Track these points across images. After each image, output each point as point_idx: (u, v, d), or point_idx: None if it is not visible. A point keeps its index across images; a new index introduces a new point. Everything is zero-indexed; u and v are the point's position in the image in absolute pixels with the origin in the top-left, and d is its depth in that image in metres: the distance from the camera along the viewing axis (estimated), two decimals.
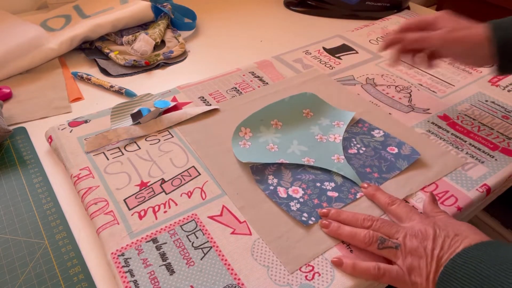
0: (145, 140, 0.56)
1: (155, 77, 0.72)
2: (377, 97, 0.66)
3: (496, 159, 0.54)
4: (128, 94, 0.66)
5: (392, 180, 0.50)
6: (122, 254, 0.41)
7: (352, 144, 0.56)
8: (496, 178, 0.51)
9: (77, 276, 0.40)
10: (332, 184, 0.50)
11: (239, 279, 0.40)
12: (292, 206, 0.47)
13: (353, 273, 0.40)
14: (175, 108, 0.62)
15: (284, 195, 0.48)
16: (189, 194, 0.48)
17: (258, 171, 0.51)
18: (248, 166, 0.51)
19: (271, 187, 0.49)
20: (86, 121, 0.58)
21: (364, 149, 0.55)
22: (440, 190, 0.49)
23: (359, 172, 0.51)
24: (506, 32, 0.48)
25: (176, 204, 0.47)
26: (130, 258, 0.41)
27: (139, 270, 0.40)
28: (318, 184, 0.49)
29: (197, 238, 0.43)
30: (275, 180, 0.50)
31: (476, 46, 0.50)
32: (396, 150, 0.54)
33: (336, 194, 0.48)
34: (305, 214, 0.46)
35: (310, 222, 0.45)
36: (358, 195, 0.48)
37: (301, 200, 0.47)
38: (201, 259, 0.41)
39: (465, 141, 0.57)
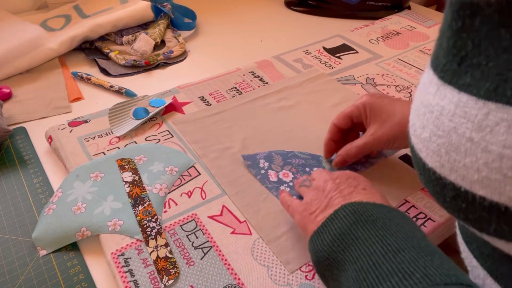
0: (145, 140, 0.56)
1: (155, 77, 0.72)
2: None
3: None
4: (128, 94, 0.66)
5: (392, 180, 0.50)
6: (122, 254, 0.41)
7: None
8: None
9: (77, 276, 0.40)
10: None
11: (239, 279, 0.40)
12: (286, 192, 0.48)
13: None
14: (171, 106, 0.62)
15: (275, 179, 0.50)
16: (189, 194, 0.48)
17: (250, 157, 0.52)
18: (246, 164, 0.51)
19: (262, 171, 0.50)
20: (86, 121, 0.58)
21: None
22: None
23: None
24: None
25: (176, 204, 0.47)
26: (130, 258, 0.41)
27: (139, 270, 0.40)
28: (308, 169, 0.51)
29: (197, 238, 0.43)
30: (266, 164, 0.51)
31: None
32: None
33: None
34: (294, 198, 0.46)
35: None
36: None
37: (291, 184, 0.49)
38: (201, 259, 0.41)
39: None
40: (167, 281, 0.39)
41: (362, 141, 0.48)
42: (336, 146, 0.51)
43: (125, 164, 0.51)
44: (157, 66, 0.74)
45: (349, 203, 0.35)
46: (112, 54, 0.74)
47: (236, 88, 0.67)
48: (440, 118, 0.22)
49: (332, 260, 0.33)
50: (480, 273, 0.28)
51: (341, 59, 0.76)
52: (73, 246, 0.43)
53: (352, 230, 0.33)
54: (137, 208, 0.45)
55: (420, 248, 0.30)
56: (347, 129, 0.51)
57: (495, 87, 0.19)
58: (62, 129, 0.56)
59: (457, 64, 0.21)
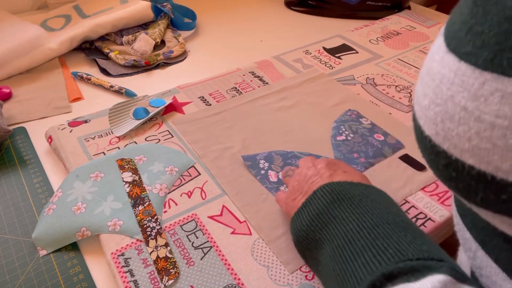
0: (145, 140, 0.56)
1: (155, 77, 0.72)
2: (377, 97, 0.66)
3: None
4: (128, 94, 0.66)
5: (392, 180, 0.50)
6: (122, 254, 0.41)
7: (340, 131, 0.58)
8: None
9: (77, 276, 0.40)
10: None
11: (239, 279, 0.40)
12: (282, 190, 0.48)
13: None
14: (171, 106, 0.62)
15: (275, 179, 0.50)
16: (189, 194, 0.48)
17: (250, 157, 0.53)
18: (246, 164, 0.51)
19: (262, 171, 0.51)
20: (86, 121, 0.58)
21: (352, 135, 0.57)
22: (441, 190, 0.49)
23: (347, 157, 0.53)
24: None
25: (176, 204, 0.47)
26: (130, 258, 0.41)
27: (139, 270, 0.40)
28: None
29: (197, 238, 0.43)
30: (266, 164, 0.52)
31: None
32: (382, 138, 0.57)
33: None
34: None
35: None
36: None
37: None
38: (201, 259, 0.41)
39: None
40: (167, 281, 0.39)
41: None
42: None
43: (125, 164, 0.51)
44: (157, 66, 0.74)
45: (327, 183, 0.36)
46: (112, 54, 0.74)
47: (236, 88, 0.67)
48: (440, 86, 0.22)
49: (310, 239, 0.34)
50: (472, 246, 0.29)
51: (341, 59, 0.76)
52: (73, 246, 0.43)
53: (330, 209, 0.34)
54: (137, 208, 0.45)
55: (395, 224, 0.31)
56: None
57: (493, 56, 0.19)
58: (62, 129, 0.56)
59: (465, 32, 0.21)
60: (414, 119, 0.26)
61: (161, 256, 0.41)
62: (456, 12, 0.24)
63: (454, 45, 0.22)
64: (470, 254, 0.29)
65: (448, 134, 0.22)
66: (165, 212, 0.46)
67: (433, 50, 0.25)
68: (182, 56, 0.78)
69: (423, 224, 0.45)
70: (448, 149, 0.22)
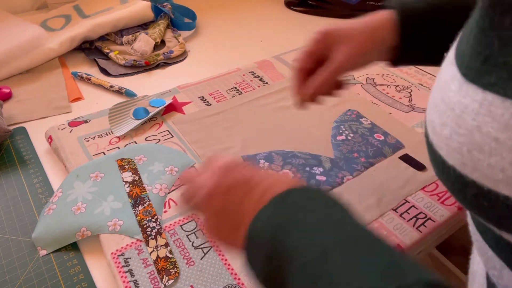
0: (145, 140, 0.56)
1: (155, 77, 0.72)
2: (377, 96, 0.66)
3: None
4: (128, 94, 0.66)
5: (392, 180, 0.50)
6: (122, 254, 0.41)
7: (340, 131, 0.58)
8: None
9: (77, 276, 0.40)
10: (321, 169, 0.51)
11: (239, 279, 0.39)
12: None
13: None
14: (171, 106, 0.62)
15: None
16: None
17: (250, 157, 0.53)
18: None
19: None
20: (86, 121, 0.58)
21: (352, 135, 0.57)
22: (440, 190, 0.49)
23: (347, 157, 0.53)
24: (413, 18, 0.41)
25: (176, 204, 0.47)
26: (130, 258, 0.41)
27: (139, 270, 0.40)
28: (308, 169, 0.51)
29: (197, 238, 0.43)
30: (266, 164, 0.52)
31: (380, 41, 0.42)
32: (382, 138, 0.57)
33: (324, 178, 0.50)
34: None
35: None
36: (345, 180, 0.50)
37: None
38: (201, 259, 0.41)
39: None
40: (167, 281, 0.39)
41: (335, 63, 0.42)
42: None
43: (125, 164, 0.51)
44: (157, 66, 0.74)
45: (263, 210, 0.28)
46: (112, 54, 0.74)
47: (236, 88, 0.67)
48: (462, 116, 0.22)
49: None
50: (497, 264, 0.28)
51: None
52: (73, 246, 0.43)
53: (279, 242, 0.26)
54: (137, 208, 0.45)
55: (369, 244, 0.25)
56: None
57: None
58: (62, 129, 0.56)
59: (481, 63, 0.21)
60: (432, 149, 0.25)
61: (161, 256, 0.41)
62: (462, 41, 0.24)
63: (473, 76, 0.21)
64: (495, 273, 0.28)
65: (477, 164, 0.21)
66: (165, 212, 0.46)
67: (447, 79, 0.24)
68: (182, 56, 0.78)
69: (423, 224, 0.45)
70: (478, 180, 0.21)
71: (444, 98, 0.23)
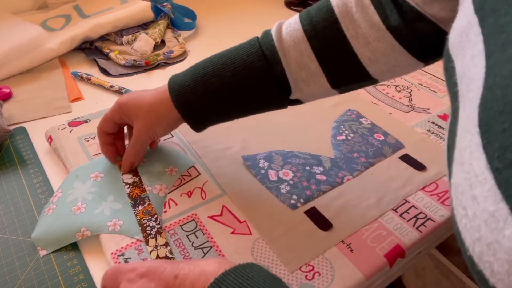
0: None
1: (155, 77, 0.72)
2: (377, 96, 0.66)
3: None
4: None
5: (392, 180, 0.50)
6: (122, 254, 0.41)
7: (340, 131, 0.58)
8: None
9: (77, 276, 0.40)
10: (321, 168, 0.52)
11: None
12: (282, 188, 0.49)
13: None
14: None
15: (275, 178, 0.50)
16: (189, 194, 0.48)
17: (250, 157, 0.53)
18: (246, 164, 0.52)
19: (262, 171, 0.51)
20: (86, 121, 0.58)
21: (352, 135, 0.57)
22: (440, 190, 0.49)
23: (347, 157, 0.53)
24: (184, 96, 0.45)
25: (176, 204, 0.47)
26: (130, 258, 0.41)
27: None
28: (308, 168, 0.52)
29: (197, 238, 0.43)
30: (266, 164, 0.52)
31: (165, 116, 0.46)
32: (382, 138, 0.57)
33: (324, 178, 0.50)
34: (294, 197, 0.47)
35: (299, 205, 0.47)
36: (345, 180, 0.50)
37: (291, 182, 0.49)
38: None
39: None
40: None
41: (133, 139, 0.48)
42: (115, 148, 0.51)
43: None
44: (157, 66, 0.74)
45: None
46: (112, 54, 0.74)
47: None
48: None
49: None
50: None
51: None
52: (73, 246, 0.43)
53: None
54: (137, 208, 0.45)
55: None
56: (119, 131, 0.51)
57: None
58: (62, 129, 0.56)
59: None
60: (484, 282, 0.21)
61: (161, 256, 0.41)
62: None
63: None
64: None
65: None
66: (165, 212, 0.46)
67: (497, 218, 0.19)
68: (182, 56, 0.78)
69: (423, 224, 0.45)
70: None
71: (499, 240, 0.19)
